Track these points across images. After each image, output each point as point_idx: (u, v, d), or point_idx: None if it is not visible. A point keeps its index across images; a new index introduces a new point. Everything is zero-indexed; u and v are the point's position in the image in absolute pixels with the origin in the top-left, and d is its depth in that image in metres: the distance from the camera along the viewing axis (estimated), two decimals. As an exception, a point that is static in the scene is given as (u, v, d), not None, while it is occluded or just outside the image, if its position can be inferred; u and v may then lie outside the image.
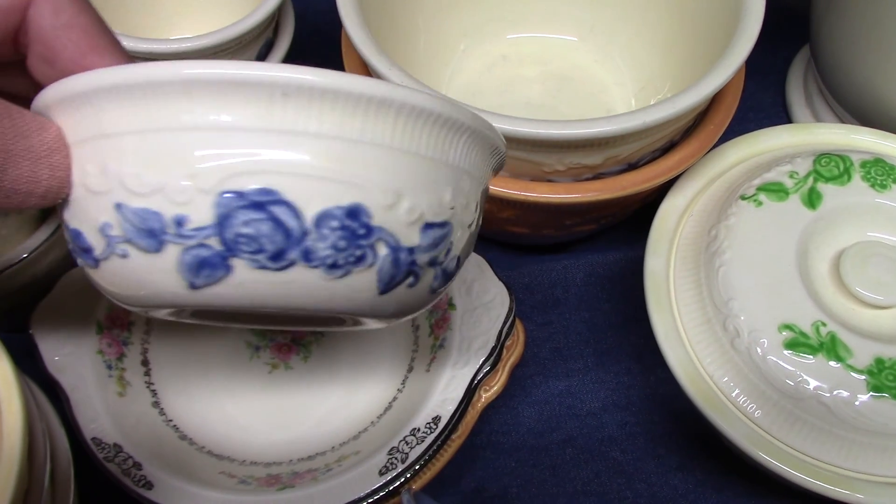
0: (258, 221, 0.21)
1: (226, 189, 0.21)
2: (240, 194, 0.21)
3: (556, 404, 0.43)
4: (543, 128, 0.33)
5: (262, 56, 0.45)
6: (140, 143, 0.22)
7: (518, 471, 0.41)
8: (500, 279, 0.39)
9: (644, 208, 0.43)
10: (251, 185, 0.21)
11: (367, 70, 0.39)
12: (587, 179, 0.38)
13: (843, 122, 0.50)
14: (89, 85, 0.22)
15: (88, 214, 0.23)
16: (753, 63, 0.56)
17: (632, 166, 0.38)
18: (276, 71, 0.21)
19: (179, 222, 0.21)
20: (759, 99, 0.55)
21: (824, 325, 0.35)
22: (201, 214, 0.21)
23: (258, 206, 0.21)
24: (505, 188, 0.37)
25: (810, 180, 0.39)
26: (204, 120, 0.21)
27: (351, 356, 0.41)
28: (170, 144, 0.21)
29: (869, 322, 0.36)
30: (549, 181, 0.38)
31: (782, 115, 0.54)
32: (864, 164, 0.39)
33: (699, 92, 0.34)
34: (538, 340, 0.45)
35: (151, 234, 0.22)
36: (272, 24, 0.44)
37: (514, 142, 0.34)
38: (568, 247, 0.48)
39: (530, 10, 0.49)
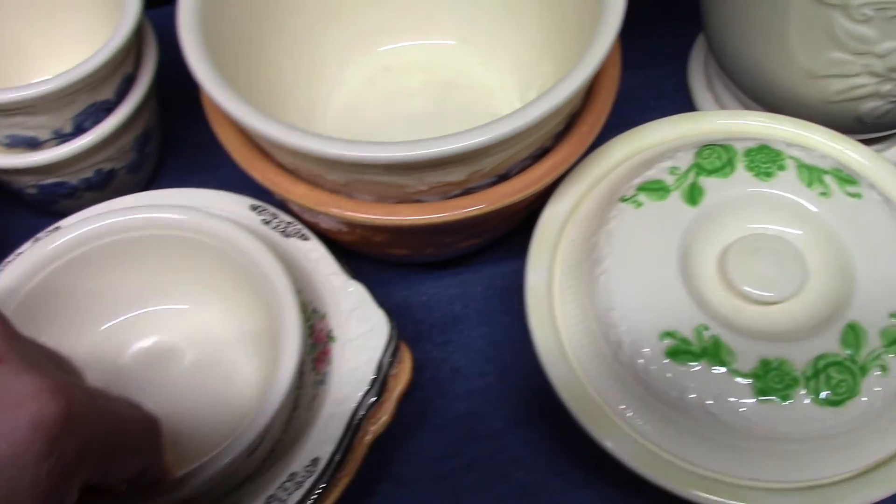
0: None
1: None
2: None
3: (457, 427, 0.41)
4: (383, 151, 0.31)
5: (123, 92, 0.42)
6: None
7: (419, 502, 0.39)
8: (380, 306, 0.38)
9: (538, 213, 0.41)
10: None
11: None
12: (456, 196, 0.36)
13: (743, 105, 0.48)
14: None
15: None
16: (655, 47, 0.55)
17: (502, 177, 0.36)
18: None
19: None
20: (661, 86, 0.53)
21: (707, 328, 0.33)
22: None
23: None
24: (369, 213, 0.35)
25: (691, 175, 0.37)
26: None
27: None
28: None
29: (759, 320, 0.35)
30: (417, 201, 0.36)
31: (685, 102, 0.53)
32: (748, 153, 0.37)
33: (550, 101, 0.32)
34: (437, 361, 0.43)
35: None
36: (129, 57, 0.42)
37: (363, 167, 0.33)
38: (465, 260, 0.46)
39: (407, 18, 0.47)
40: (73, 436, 0.23)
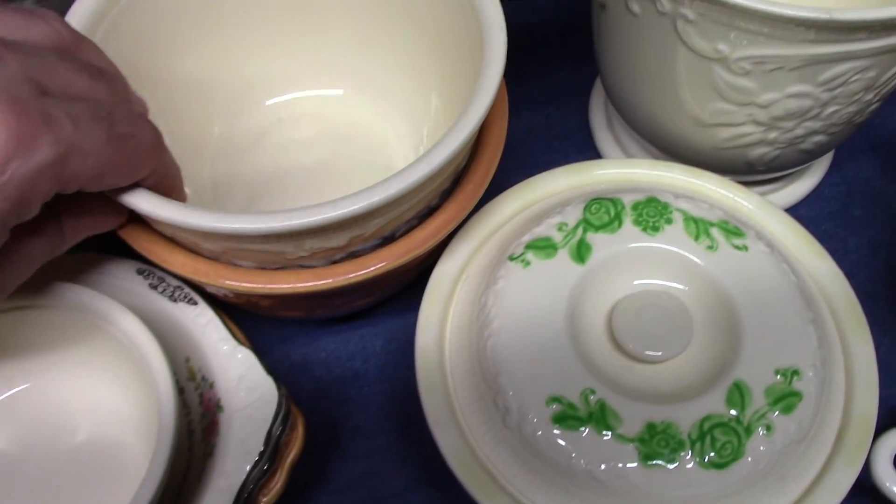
0: None
1: None
2: None
3: (358, 489, 0.40)
4: (256, 222, 0.30)
5: None
6: None
7: (318, 570, 0.39)
8: (269, 373, 0.37)
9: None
10: None
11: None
12: (340, 260, 0.35)
13: (641, 145, 0.48)
14: None
15: None
16: (557, 86, 0.55)
17: (387, 239, 0.36)
18: None
19: None
20: (564, 125, 0.53)
21: (593, 392, 0.33)
22: None
23: None
24: (249, 282, 0.34)
25: (579, 231, 0.37)
26: None
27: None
28: None
29: (647, 379, 0.35)
30: (300, 266, 0.35)
31: (588, 141, 0.53)
32: (635, 206, 0.37)
33: (427, 164, 0.32)
34: (337, 420, 0.42)
35: None
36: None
37: (238, 237, 0.32)
38: (365, 313, 0.45)
39: (296, 68, 0.46)
40: (24, 159, 0.25)
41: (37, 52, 0.28)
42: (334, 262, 0.35)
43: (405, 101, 0.46)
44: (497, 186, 0.39)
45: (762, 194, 0.48)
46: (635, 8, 0.37)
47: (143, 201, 0.31)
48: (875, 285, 0.47)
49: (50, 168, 0.26)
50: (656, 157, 0.47)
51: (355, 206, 0.31)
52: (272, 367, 0.37)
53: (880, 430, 0.36)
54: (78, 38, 0.31)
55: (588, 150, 0.52)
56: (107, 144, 0.28)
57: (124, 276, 0.40)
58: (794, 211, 0.49)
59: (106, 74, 0.31)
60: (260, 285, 0.34)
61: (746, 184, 0.46)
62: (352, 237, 0.34)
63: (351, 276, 0.35)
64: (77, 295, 0.35)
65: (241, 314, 0.41)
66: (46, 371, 0.39)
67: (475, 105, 0.34)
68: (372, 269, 0.35)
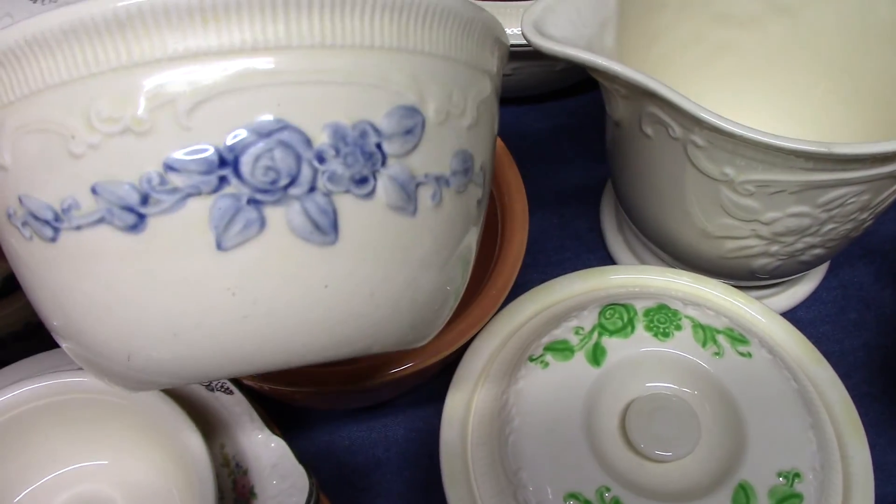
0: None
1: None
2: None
3: (378, 576, 0.42)
4: None
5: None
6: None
7: None
8: (300, 462, 0.39)
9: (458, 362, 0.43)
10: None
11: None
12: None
13: (650, 249, 0.51)
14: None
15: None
16: (570, 186, 0.58)
17: None
18: None
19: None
20: (576, 227, 0.56)
21: (608, 490, 0.35)
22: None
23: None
24: (282, 385, 0.37)
25: (595, 335, 0.40)
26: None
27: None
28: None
29: (658, 478, 0.37)
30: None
31: (599, 242, 0.56)
32: (647, 313, 0.40)
33: None
34: (360, 507, 0.44)
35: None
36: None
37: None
38: (389, 402, 0.47)
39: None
40: None
41: None
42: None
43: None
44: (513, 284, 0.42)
45: (764, 297, 0.51)
46: (648, 130, 0.41)
47: None
48: (870, 387, 0.49)
49: None
50: (664, 261, 0.50)
51: None
52: (298, 453, 0.39)
53: (877, 530, 0.38)
54: None
55: (599, 251, 0.55)
56: None
57: (165, 365, 0.42)
58: (794, 313, 0.52)
59: None
60: (293, 388, 0.37)
61: (749, 287, 0.49)
62: None
63: (377, 380, 0.37)
64: (155, 400, 0.37)
65: (270, 401, 0.43)
66: (89, 456, 0.41)
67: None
68: (400, 369, 0.37)
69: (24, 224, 0.25)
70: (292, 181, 0.23)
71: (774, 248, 0.42)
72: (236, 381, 0.41)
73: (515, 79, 0.56)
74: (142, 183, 0.23)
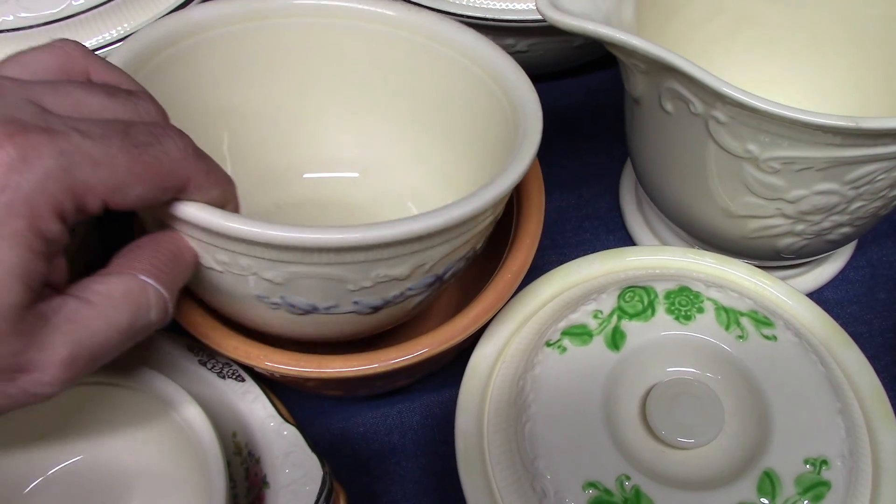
0: None
1: None
2: None
3: (394, 564, 0.42)
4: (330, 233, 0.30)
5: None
6: None
7: None
8: (313, 450, 0.38)
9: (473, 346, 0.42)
10: None
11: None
12: (389, 304, 0.36)
13: (671, 229, 0.50)
14: None
15: None
16: (589, 166, 0.57)
17: (439, 279, 0.36)
18: None
19: None
20: (595, 206, 0.55)
21: (628, 478, 0.34)
22: None
23: None
24: (295, 366, 0.36)
25: (614, 319, 0.38)
26: None
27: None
28: None
29: (680, 465, 0.36)
30: (355, 304, 0.36)
31: (618, 222, 0.54)
32: (668, 295, 0.39)
33: (488, 192, 0.33)
34: (374, 495, 0.43)
35: None
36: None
37: (313, 249, 0.31)
38: (402, 389, 0.47)
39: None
40: (25, 171, 0.25)
41: (42, 80, 0.29)
42: (376, 309, 0.36)
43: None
44: (531, 266, 0.41)
45: (789, 278, 0.50)
46: (668, 107, 0.39)
47: (197, 211, 0.30)
48: (900, 368, 0.48)
49: (55, 177, 0.25)
50: (685, 240, 0.49)
51: (438, 219, 0.31)
52: (313, 440, 0.38)
53: (907, 518, 0.37)
54: (93, 60, 0.31)
55: (618, 231, 0.54)
56: (122, 153, 0.27)
57: (176, 352, 0.41)
58: (820, 294, 0.51)
59: (125, 94, 0.31)
60: (309, 369, 0.36)
61: (774, 268, 0.48)
62: (414, 267, 0.34)
63: (394, 361, 0.36)
64: (151, 378, 0.36)
65: (283, 388, 0.43)
66: (101, 444, 0.40)
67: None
68: (415, 355, 0.36)
69: None
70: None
71: (800, 227, 0.41)
72: (248, 369, 0.41)
73: (531, 55, 0.55)
74: None
